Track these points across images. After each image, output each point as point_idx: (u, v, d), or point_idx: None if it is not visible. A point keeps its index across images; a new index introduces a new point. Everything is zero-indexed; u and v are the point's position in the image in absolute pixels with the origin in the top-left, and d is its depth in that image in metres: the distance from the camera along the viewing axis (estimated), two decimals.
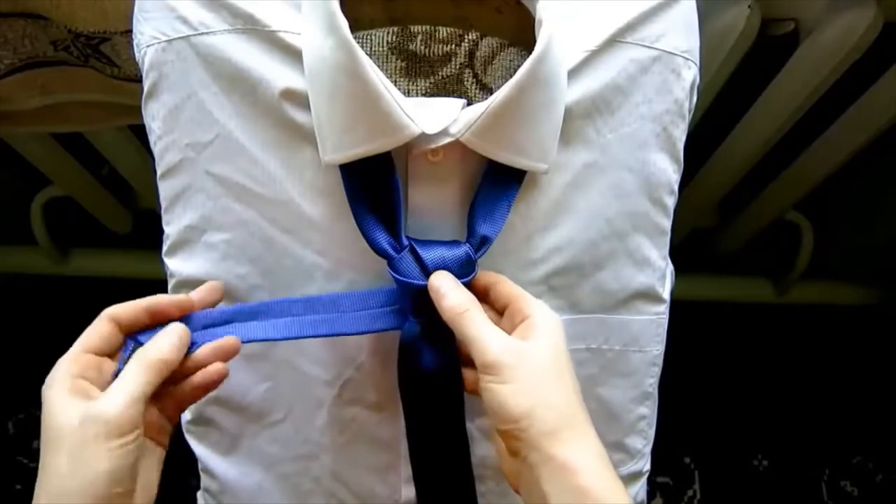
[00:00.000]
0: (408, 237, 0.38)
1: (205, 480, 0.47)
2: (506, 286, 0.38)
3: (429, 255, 0.37)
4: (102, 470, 0.31)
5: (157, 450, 0.37)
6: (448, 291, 0.36)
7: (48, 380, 0.34)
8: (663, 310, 0.45)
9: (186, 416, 0.46)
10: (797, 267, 1.03)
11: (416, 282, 0.37)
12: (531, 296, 0.37)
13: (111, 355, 0.36)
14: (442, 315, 0.36)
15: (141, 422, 0.33)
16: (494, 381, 0.34)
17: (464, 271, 0.38)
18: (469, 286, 0.38)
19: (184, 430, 0.46)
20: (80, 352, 0.35)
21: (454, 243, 0.38)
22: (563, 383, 0.35)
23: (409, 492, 0.45)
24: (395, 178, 0.37)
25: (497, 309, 0.39)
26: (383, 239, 0.37)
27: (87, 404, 0.32)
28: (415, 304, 0.38)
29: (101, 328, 0.36)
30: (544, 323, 0.36)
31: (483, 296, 0.38)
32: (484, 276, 0.39)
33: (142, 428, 0.33)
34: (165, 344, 0.35)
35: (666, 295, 0.45)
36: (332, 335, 0.39)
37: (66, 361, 0.34)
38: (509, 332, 0.36)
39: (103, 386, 0.34)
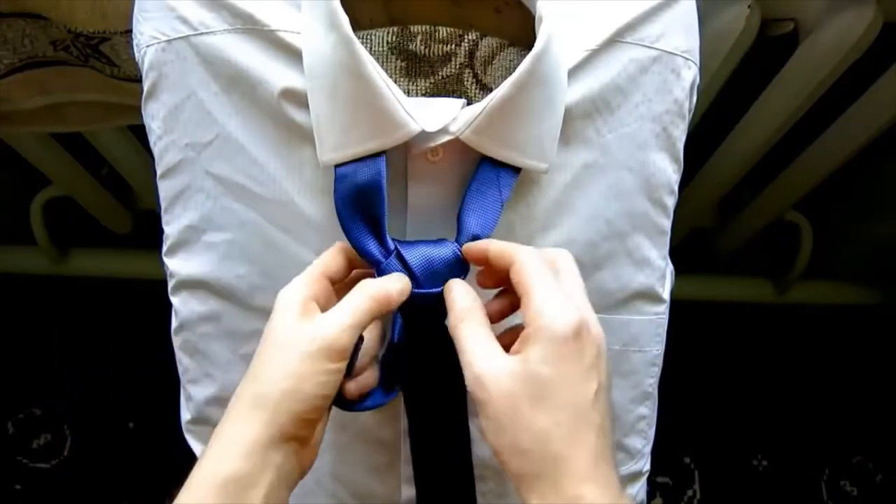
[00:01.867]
0: (393, 239, 0.37)
1: None
2: (517, 272, 0.33)
3: (413, 256, 0.36)
4: (307, 386, 0.32)
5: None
6: (452, 302, 0.35)
7: (284, 290, 0.35)
8: (663, 310, 0.45)
9: (186, 415, 0.46)
10: (797, 267, 1.04)
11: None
12: (545, 285, 0.32)
13: (335, 287, 0.37)
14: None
15: (350, 352, 0.33)
16: (477, 409, 0.32)
17: (453, 271, 0.37)
18: (488, 263, 0.35)
19: (183, 429, 0.46)
20: (320, 274, 0.36)
21: (440, 242, 0.37)
22: (538, 421, 0.30)
23: (408, 492, 0.45)
24: (381, 180, 0.36)
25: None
26: (371, 244, 0.37)
27: (311, 323, 0.33)
28: (404, 311, 0.38)
29: (338, 257, 0.37)
30: (539, 337, 0.31)
31: (502, 275, 0.35)
32: (503, 255, 0.35)
33: (347, 360, 0.34)
34: (395, 283, 0.35)
35: (666, 295, 0.45)
36: None
37: (305, 279, 0.35)
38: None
39: (325, 310, 0.35)
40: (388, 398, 0.39)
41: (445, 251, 0.37)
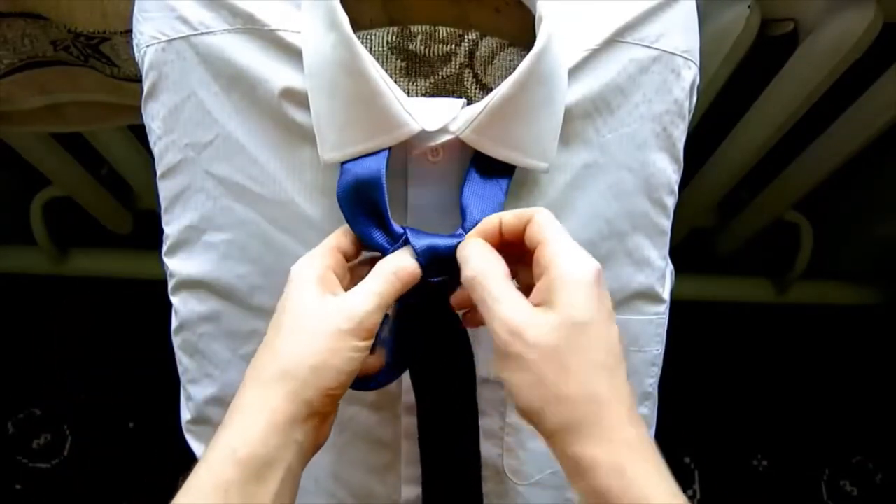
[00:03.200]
0: (404, 227, 0.37)
1: None
2: (537, 224, 0.33)
3: (419, 243, 0.36)
4: (336, 362, 0.32)
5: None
6: (465, 259, 0.33)
7: (301, 263, 0.35)
8: (663, 310, 0.45)
9: (186, 415, 0.46)
10: (797, 267, 1.04)
11: None
12: (564, 236, 0.32)
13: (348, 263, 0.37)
14: (463, 283, 0.34)
15: (374, 333, 0.33)
16: (504, 370, 0.31)
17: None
18: (501, 233, 0.35)
19: (183, 429, 0.46)
20: (334, 248, 0.36)
21: (452, 236, 0.37)
22: (582, 366, 0.29)
23: (408, 492, 0.45)
24: (382, 169, 0.36)
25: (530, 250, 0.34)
26: (376, 233, 0.37)
27: (337, 298, 0.33)
28: (412, 298, 0.37)
29: (345, 236, 0.37)
30: (565, 281, 0.30)
31: (518, 240, 0.34)
32: (520, 216, 0.34)
33: (373, 338, 0.34)
34: (409, 262, 0.35)
35: (666, 295, 0.45)
36: None
37: (320, 252, 0.35)
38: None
39: (345, 288, 0.35)
40: (390, 379, 0.40)
41: (452, 242, 0.36)
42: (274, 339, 0.33)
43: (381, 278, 0.34)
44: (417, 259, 0.36)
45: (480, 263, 0.33)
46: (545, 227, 0.33)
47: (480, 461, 0.43)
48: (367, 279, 0.34)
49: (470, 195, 0.38)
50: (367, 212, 0.37)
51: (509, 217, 0.34)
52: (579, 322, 0.30)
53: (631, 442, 0.29)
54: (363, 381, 0.38)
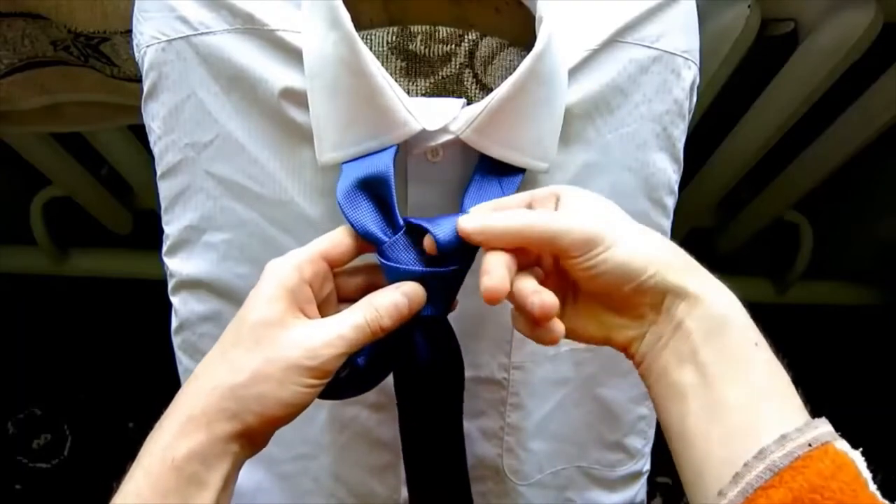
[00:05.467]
0: (405, 218, 0.35)
1: None
2: (518, 195, 0.36)
3: (440, 235, 0.34)
4: (284, 395, 0.30)
5: None
6: (494, 220, 0.32)
7: (273, 267, 0.33)
8: None
9: None
10: (797, 267, 1.04)
11: (408, 267, 0.35)
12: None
13: (335, 272, 0.35)
14: (505, 240, 0.32)
15: (333, 374, 0.32)
16: (603, 249, 0.31)
17: (466, 248, 0.34)
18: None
19: None
20: (318, 256, 0.34)
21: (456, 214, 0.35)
22: (653, 234, 0.33)
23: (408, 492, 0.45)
24: (390, 163, 0.35)
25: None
26: (372, 222, 0.35)
27: (305, 328, 0.31)
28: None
29: (343, 239, 0.34)
30: (575, 193, 0.34)
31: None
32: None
33: (329, 379, 0.32)
34: (393, 311, 0.33)
35: None
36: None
37: (300, 259, 0.33)
38: None
39: (319, 301, 0.33)
40: (364, 390, 0.38)
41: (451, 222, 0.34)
42: (229, 349, 0.32)
43: (358, 326, 0.32)
44: (437, 242, 0.34)
45: (504, 212, 0.33)
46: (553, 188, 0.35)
47: (466, 463, 0.42)
48: (347, 318, 0.32)
49: (472, 200, 0.37)
50: (372, 206, 0.36)
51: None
52: (620, 210, 0.34)
53: (716, 280, 0.33)
54: (335, 387, 0.35)
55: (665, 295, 0.32)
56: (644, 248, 0.32)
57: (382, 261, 0.35)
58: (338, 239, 0.35)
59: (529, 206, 0.35)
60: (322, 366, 0.31)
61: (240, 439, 0.31)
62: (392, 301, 0.33)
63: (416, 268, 0.35)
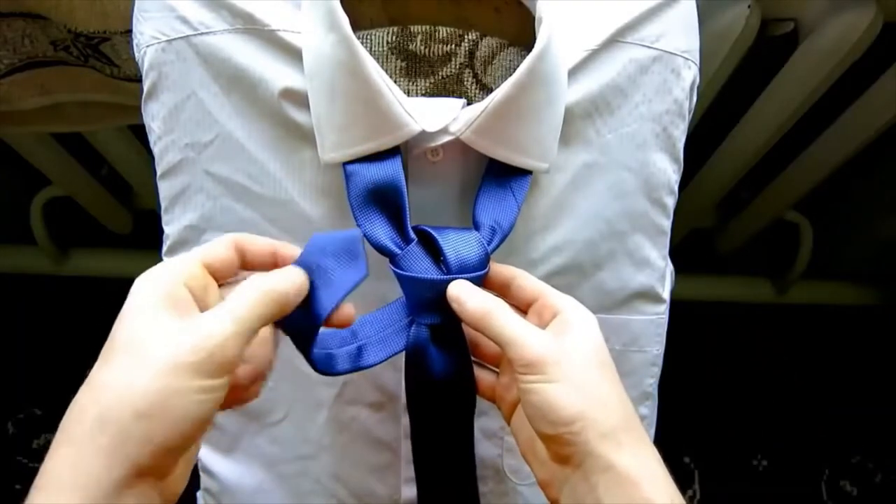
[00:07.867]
0: (415, 227, 0.36)
1: (204, 480, 0.47)
2: (529, 280, 0.36)
3: (446, 243, 0.35)
4: (173, 407, 0.24)
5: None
6: (469, 296, 0.34)
7: (145, 274, 0.27)
8: (663, 310, 0.45)
9: None
10: (797, 267, 1.04)
11: (428, 276, 0.35)
12: (557, 291, 0.35)
13: (219, 283, 0.30)
14: (467, 321, 0.34)
15: (237, 365, 0.26)
16: (540, 380, 0.30)
17: (482, 264, 0.36)
18: (485, 284, 0.36)
19: None
20: (197, 260, 0.29)
21: (465, 230, 0.36)
22: (613, 380, 0.32)
23: (408, 492, 0.45)
24: (400, 176, 0.36)
25: (520, 305, 0.36)
26: (385, 235, 0.36)
27: (183, 322, 0.26)
28: (424, 303, 0.36)
29: (224, 249, 0.30)
30: (579, 318, 0.33)
31: (503, 292, 0.36)
32: (501, 270, 0.37)
33: (232, 375, 0.26)
34: (286, 280, 0.29)
35: (666, 295, 0.45)
36: (356, 370, 0.37)
37: (176, 262, 0.28)
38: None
39: (203, 309, 0.28)
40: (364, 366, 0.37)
41: (472, 242, 0.36)
42: (95, 373, 0.25)
43: (246, 297, 0.27)
44: (444, 259, 0.35)
45: (482, 302, 0.33)
46: (535, 279, 0.36)
47: (475, 465, 0.42)
48: (227, 299, 0.27)
49: (483, 207, 0.37)
50: (382, 214, 0.36)
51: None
52: (601, 347, 0.33)
53: (660, 460, 0.31)
54: (328, 359, 0.34)
55: (586, 458, 0.30)
56: (583, 400, 0.30)
57: (398, 271, 0.36)
58: (218, 245, 0.31)
59: (534, 301, 0.35)
60: (213, 356, 0.25)
61: (133, 488, 0.24)
62: (280, 270, 0.31)
63: (436, 276, 0.35)
